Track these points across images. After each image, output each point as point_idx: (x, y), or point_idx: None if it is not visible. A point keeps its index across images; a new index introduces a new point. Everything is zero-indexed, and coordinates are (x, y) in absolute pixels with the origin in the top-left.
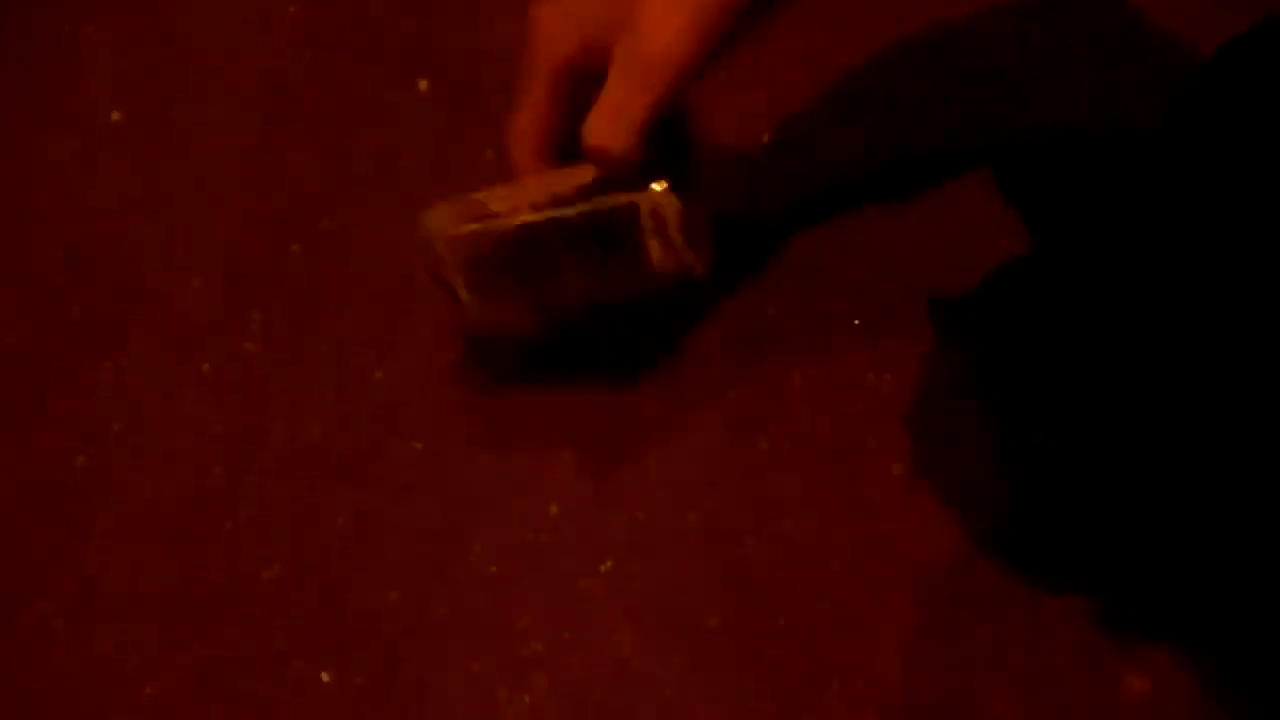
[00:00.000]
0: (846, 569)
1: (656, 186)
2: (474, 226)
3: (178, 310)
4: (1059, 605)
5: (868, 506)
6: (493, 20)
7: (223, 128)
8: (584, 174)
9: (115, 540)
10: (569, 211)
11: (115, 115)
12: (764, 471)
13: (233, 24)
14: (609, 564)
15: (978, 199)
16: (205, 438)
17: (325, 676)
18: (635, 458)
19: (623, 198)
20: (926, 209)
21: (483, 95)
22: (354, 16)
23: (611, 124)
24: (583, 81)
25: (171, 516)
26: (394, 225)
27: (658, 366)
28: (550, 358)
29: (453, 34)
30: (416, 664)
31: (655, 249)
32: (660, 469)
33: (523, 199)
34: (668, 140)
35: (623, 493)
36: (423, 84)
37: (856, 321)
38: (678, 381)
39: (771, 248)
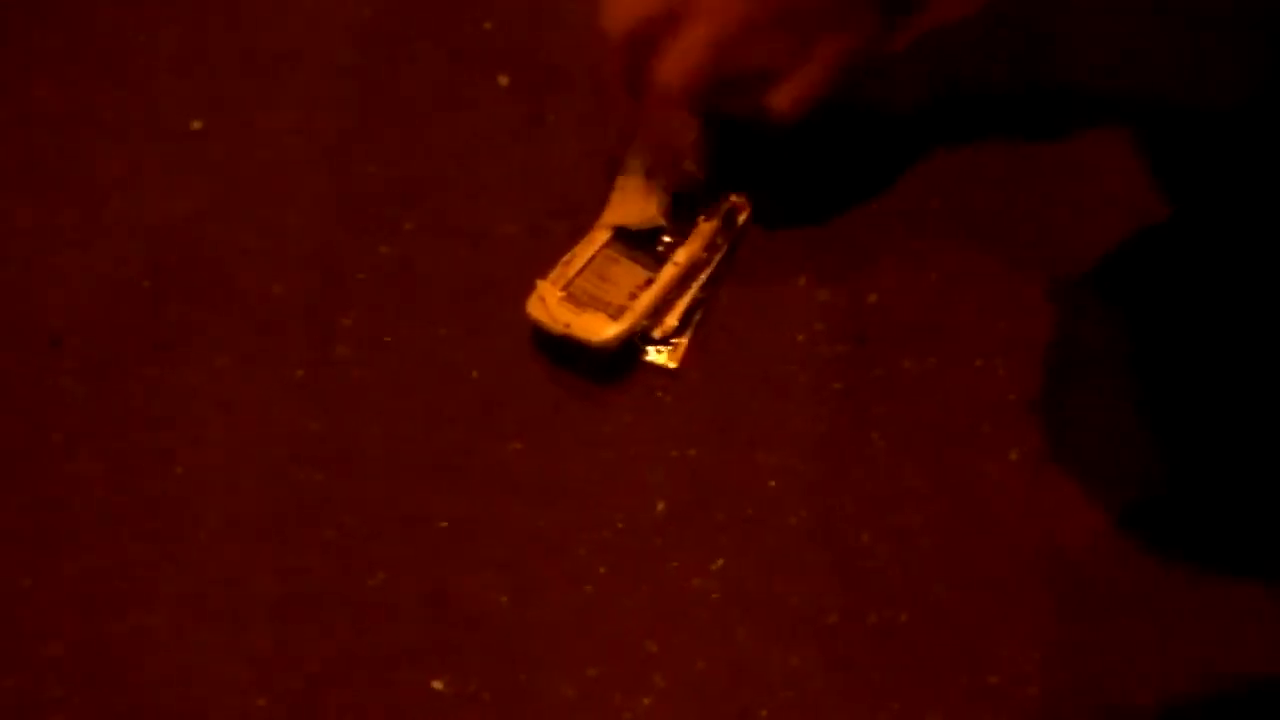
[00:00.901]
0: (967, 561)
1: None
2: None
3: (267, 316)
4: (1197, 589)
5: (986, 495)
6: (570, 15)
7: (303, 133)
8: None
9: (216, 548)
10: None
11: (196, 124)
12: (876, 464)
13: (308, 29)
14: (720, 562)
15: (1082, 176)
16: (302, 444)
17: (437, 684)
18: (740, 454)
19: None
20: (1028, 188)
21: (562, 89)
22: (429, 16)
23: (677, 64)
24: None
25: (272, 523)
26: (476, 223)
27: (761, 362)
28: (643, 356)
29: (531, 30)
30: (529, 669)
31: None
32: (768, 464)
33: None
34: None
35: (730, 489)
36: (503, 79)
37: (963, 307)
38: (784, 376)
39: (871, 234)
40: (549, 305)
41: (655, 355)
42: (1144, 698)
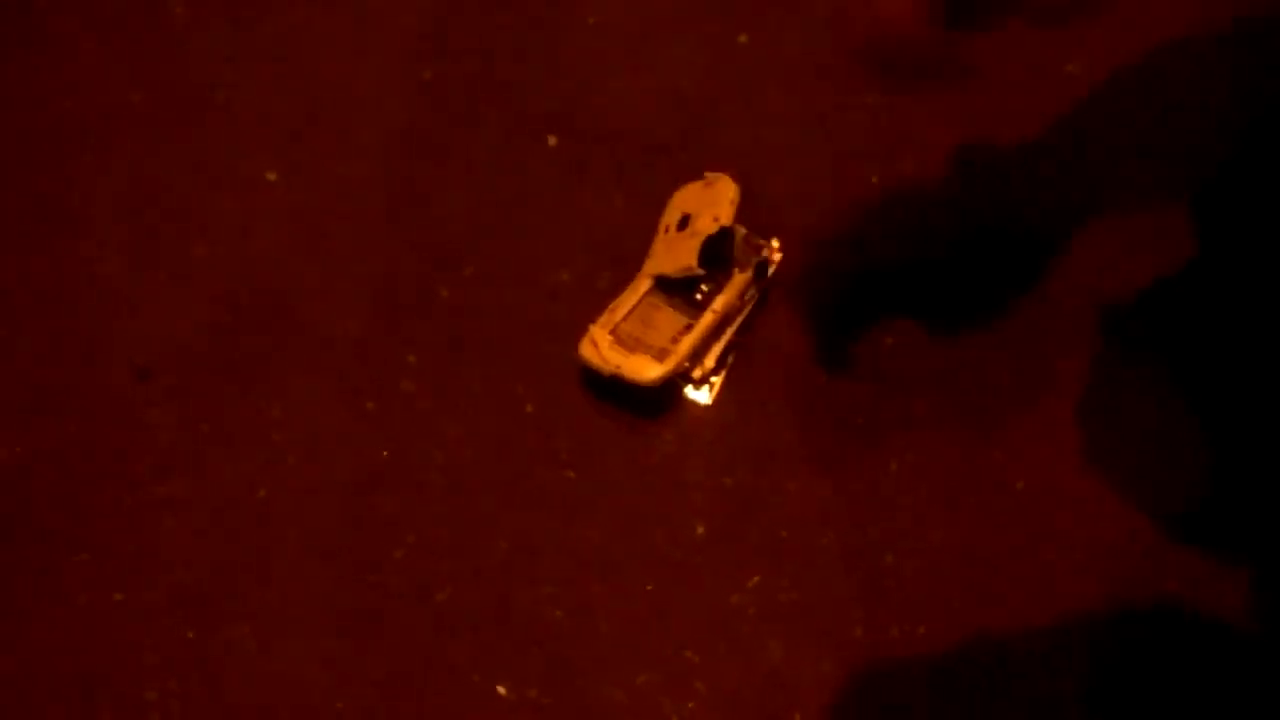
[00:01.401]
0: (984, 578)
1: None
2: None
3: (339, 352)
4: (1237, 602)
5: (998, 519)
6: (615, 80)
7: (368, 184)
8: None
9: (297, 566)
10: None
11: (271, 175)
12: (896, 491)
13: (375, 90)
14: (756, 580)
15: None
16: (373, 470)
17: (501, 689)
18: (772, 481)
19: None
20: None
21: (607, 149)
22: (484, 79)
23: None
24: None
25: (347, 543)
26: (529, 270)
27: (789, 399)
28: (682, 393)
29: (578, 94)
30: (585, 676)
31: None
32: (798, 491)
33: None
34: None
35: (764, 514)
36: (552, 139)
37: (969, 353)
38: (810, 412)
39: (888, 285)
40: (600, 348)
41: (694, 393)
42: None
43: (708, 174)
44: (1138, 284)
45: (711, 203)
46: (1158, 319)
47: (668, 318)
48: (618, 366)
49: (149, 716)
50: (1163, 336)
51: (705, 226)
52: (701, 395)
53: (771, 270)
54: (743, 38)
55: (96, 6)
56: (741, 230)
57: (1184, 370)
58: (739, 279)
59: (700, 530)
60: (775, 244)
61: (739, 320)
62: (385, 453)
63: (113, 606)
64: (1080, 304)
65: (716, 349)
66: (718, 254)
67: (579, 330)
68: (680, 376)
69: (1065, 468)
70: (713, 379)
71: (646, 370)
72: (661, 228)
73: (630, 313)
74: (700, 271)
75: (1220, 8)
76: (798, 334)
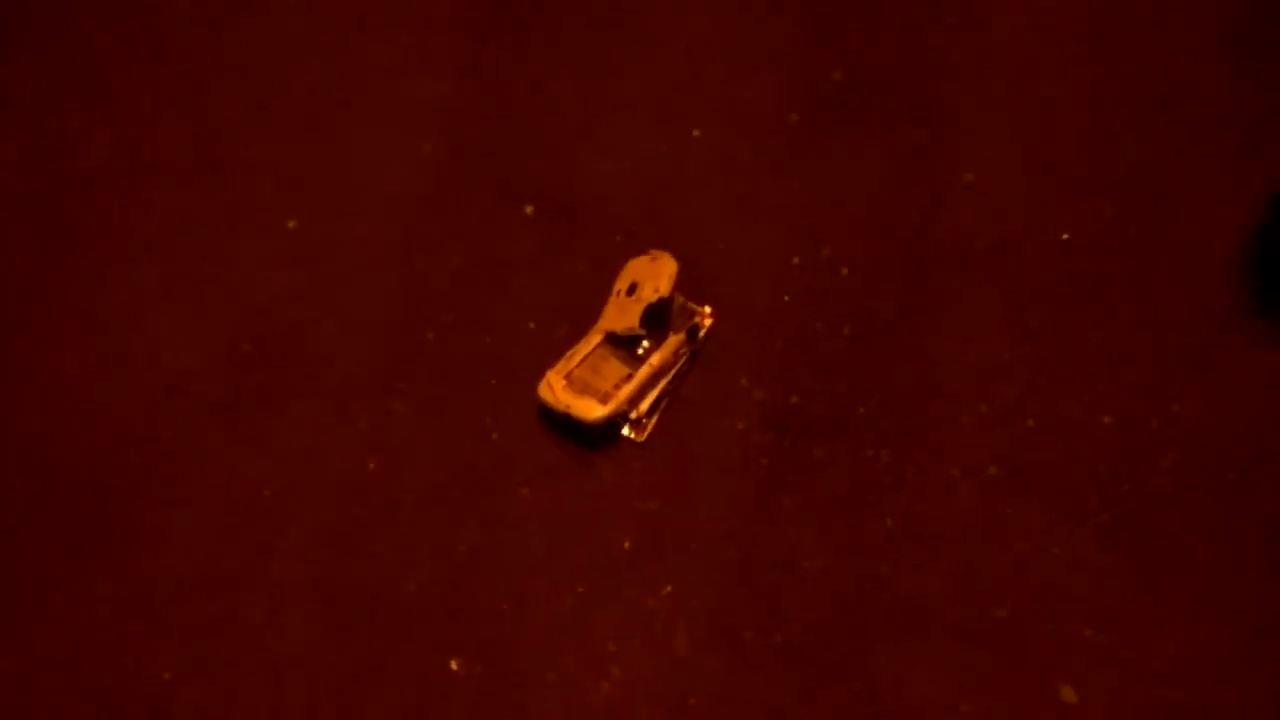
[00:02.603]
0: (846, 595)
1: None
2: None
3: (341, 379)
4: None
5: (863, 551)
6: (588, 160)
7: (373, 237)
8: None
9: (296, 554)
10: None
11: (291, 223)
12: (787, 521)
13: (384, 157)
14: (669, 588)
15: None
16: (363, 478)
17: (454, 665)
18: (689, 508)
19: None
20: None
21: (578, 219)
22: (475, 153)
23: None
24: None
25: (337, 538)
26: (504, 320)
27: (708, 441)
28: (621, 432)
29: (555, 169)
30: (523, 657)
31: None
32: (710, 516)
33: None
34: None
35: (680, 534)
36: (529, 209)
37: (861, 409)
38: (724, 453)
39: (796, 350)
40: (555, 390)
41: (630, 432)
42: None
43: (653, 251)
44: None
45: (654, 275)
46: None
47: (613, 367)
48: (568, 406)
49: (162, 684)
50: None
51: (648, 295)
52: (636, 434)
53: (702, 333)
54: (696, 132)
55: (147, 56)
56: (680, 298)
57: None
58: (673, 339)
59: (626, 545)
60: (707, 310)
61: (672, 373)
62: (373, 463)
63: (135, 587)
64: (958, 367)
65: (651, 396)
66: (657, 318)
67: (540, 373)
68: (620, 417)
69: (930, 505)
70: (646, 420)
71: (592, 411)
72: (614, 291)
73: (583, 361)
74: (641, 332)
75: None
76: (719, 387)
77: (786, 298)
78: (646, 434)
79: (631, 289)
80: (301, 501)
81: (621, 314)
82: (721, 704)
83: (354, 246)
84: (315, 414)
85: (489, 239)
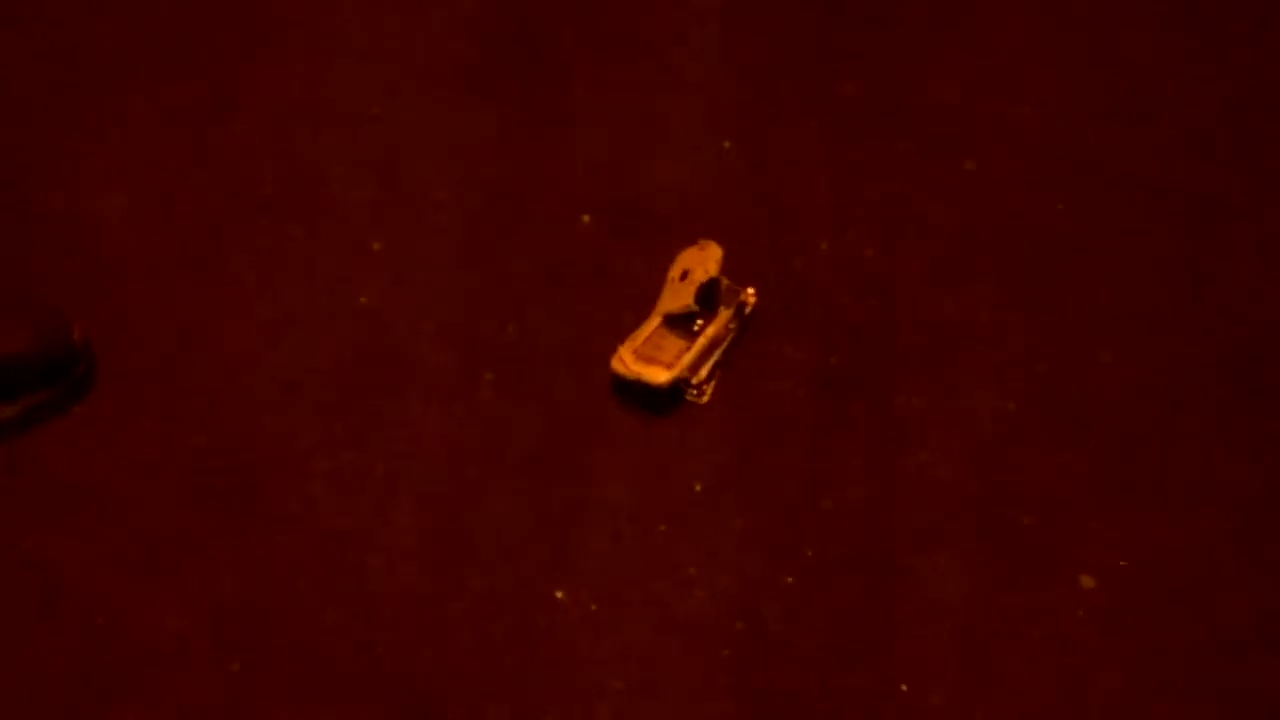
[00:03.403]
0: (889, 516)
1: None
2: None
3: (430, 375)
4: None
5: (904, 478)
6: (642, 170)
7: (450, 255)
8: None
9: (410, 515)
10: None
11: (376, 245)
12: (834, 461)
13: (454, 183)
14: (739, 521)
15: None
16: (461, 452)
17: (559, 594)
18: (750, 453)
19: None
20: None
21: (631, 223)
22: (533, 168)
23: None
24: None
25: (448, 502)
26: (575, 313)
27: (760, 400)
28: (685, 397)
29: (604, 183)
30: (618, 585)
31: None
32: (767, 461)
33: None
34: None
35: (742, 478)
36: (586, 218)
37: (893, 365)
38: (775, 408)
39: (833, 315)
40: (626, 362)
41: (693, 396)
42: None
43: (701, 240)
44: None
45: (703, 260)
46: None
47: (673, 343)
48: (639, 374)
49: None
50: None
51: (699, 277)
52: (698, 396)
53: (748, 309)
54: (727, 144)
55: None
56: (725, 281)
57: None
58: (724, 314)
59: (698, 488)
60: (750, 291)
61: (725, 344)
62: (470, 441)
63: (270, 542)
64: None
65: (709, 364)
66: (708, 298)
67: (611, 353)
68: (683, 382)
69: (959, 438)
70: (706, 385)
71: (659, 375)
72: (668, 279)
73: (646, 339)
74: (695, 309)
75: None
76: (767, 354)
77: (818, 276)
78: (707, 397)
79: (683, 275)
80: (410, 477)
81: (676, 296)
82: (790, 611)
83: (432, 264)
84: (417, 404)
85: (554, 246)
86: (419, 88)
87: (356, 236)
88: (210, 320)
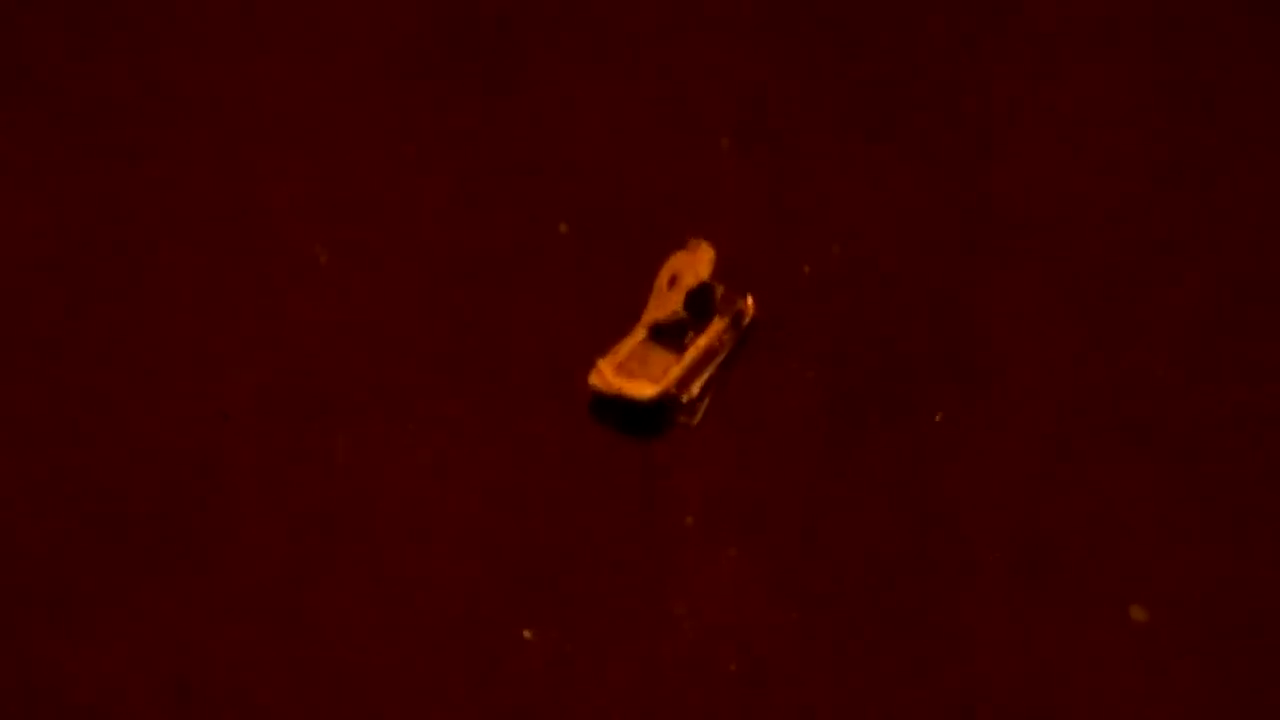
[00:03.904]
0: (913, 547)
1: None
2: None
3: (387, 396)
4: None
5: (930, 505)
6: (627, 170)
7: (408, 267)
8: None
9: (364, 555)
10: None
11: (323, 258)
12: (849, 487)
13: (413, 189)
14: (734, 552)
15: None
16: (419, 489)
17: (527, 634)
18: (749, 480)
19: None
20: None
21: (614, 231)
22: (502, 176)
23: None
24: None
25: (399, 541)
26: (551, 331)
27: (763, 419)
28: (675, 419)
29: (584, 187)
30: (600, 623)
31: None
32: (770, 487)
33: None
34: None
35: (737, 503)
36: (563, 227)
37: (910, 388)
38: (779, 428)
39: (845, 327)
40: (606, 376)
41: (683, 417)
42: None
43: (690, 240)
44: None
45: (693, 264)
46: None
47: (661, 357)
48: (620, 389)
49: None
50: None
51: (689, 282)
52: (689, 416)
53: (747, 320)
54: (724, 141)
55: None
56: (720, 287)
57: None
58: (717, 324)
59: (689, 520)
60: (749, 300)
61: (720, 358)
62: (429, 471)
63: (201, 590)
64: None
65: (701, 379)
66: (700, 305)
67: (589, 367)
68: (671, 400)
69: (992, 459)
70: (698, 403)
71: (644, 390)
72: (655, 287)
73: (630, 353)
74: (685, 316)
75: None
76: (770, 369)
77: (830, 284)
78: (699, 417)
79: (672, 281)
80: (361, 511)
81: (664, 304)
82: (791, 654)
83: (385, 275)
84: (372, 430)
85: (527, 255)
86: (381, 84)
87: (301, 248)
88: (133, 337)
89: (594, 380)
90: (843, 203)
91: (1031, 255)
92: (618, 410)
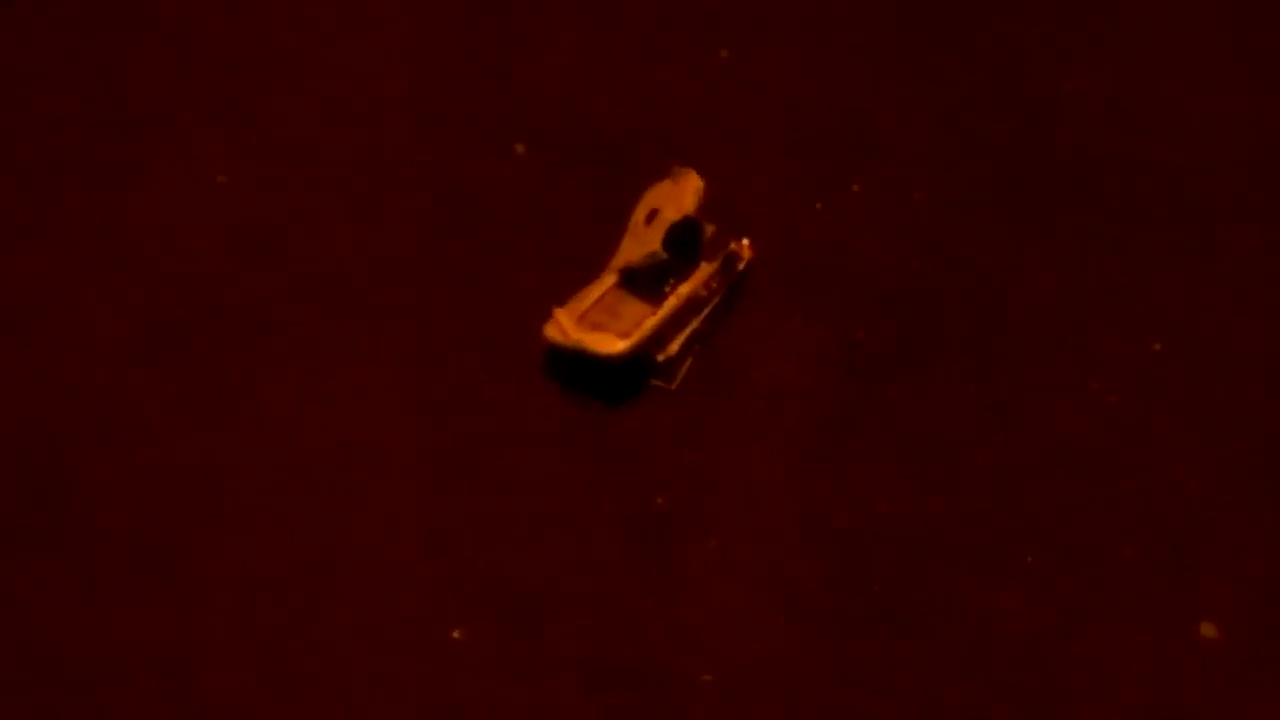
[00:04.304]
0: (932, 537)
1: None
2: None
3: (301, 346)
4: None
5: (955, 489)
6: (591, 90)
7: (327, 193)
8: None
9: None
10: None
11: (221, 178)
12: (856, 467)
13: (340, 97)
14: (714, 542)
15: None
16: (342, 456)
17: (456, 634)
18: (735, 455)
19: None
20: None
21: (582, 155)
22: (454, 89)
23: None
24: None
25: (312, 519)
26: (496, 270)
27: (756, 386)
28: (645, 383)
29: (549, 103)
30: (548, 624)
31: None
32: (760, 464)
33: None
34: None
35: (727, 484)
36: (519, 148)
37: (939, 340)
38: (778, 398)
39: (858, 279)
40: (564, 326)
41: (659, 379)
42: None
43: (675, 168)
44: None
45: (677, 196)
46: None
47: (634, 308)
48: (579, 341)
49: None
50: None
51: (670, 217)
52: (667, 379)
53: (741, 266)
54: (724, 52)
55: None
56: (711, 227)
57: None
58: (705, 269)
59: (660, 501)
60: (745, 243)
61: (706, 310)
62: (343, 436)
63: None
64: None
65: (683, 335)
66: (684, 245)
67: (546, 318)
68: (646, 360)
69: (1035, 438)
70: (678, 364)
71: (611, 345)
72: (631, 223)
73: (596, 303)
74: (664, 257)
75: None
76: (768, 327)
77: (846, 227)
78: (679, 380)
79: (651, 217)
80: (273, 475)
81: (640, 244)
82: (777, 666)
83: (299, 199)
84: (287, 383)
85: (473, 183)
86: None
87: (200, 168)
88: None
89: (551, 333)
90: (869, 130)
91: (1083, 208)
92: (579, 369)
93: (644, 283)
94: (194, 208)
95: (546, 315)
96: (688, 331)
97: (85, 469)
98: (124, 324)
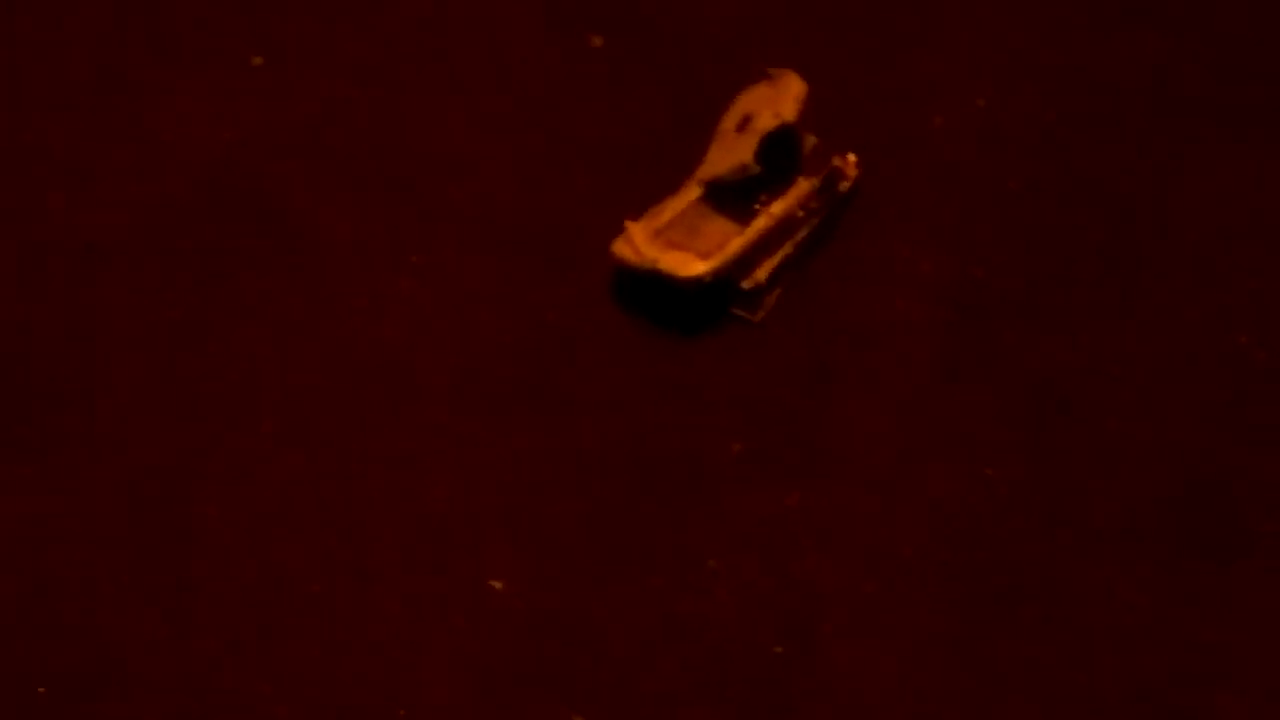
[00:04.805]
0: (1045, 506)
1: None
2: None
3: (325, 250)
4: None
5: (1074, 454)
6: None
7: (371, 72)
8: None
9: (273, 449)
10: None
11: (257, 60)
12: (965, 422)
13: None
14: (796, 495)
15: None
16: (366, 369)
17: (496, 584)
18: (824, 402)
19: None
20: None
21: (651, 52)
22: None
23: None
24: None
25: (345, 433)
26: (564, 177)
27: (853, 323)
28: (730, 310)
29: None
30: (602, 578)
31: None
32: (853, 411)
33: None
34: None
35: (812, 433)
36: (596, 40)
37: (1069, 286)
38: (877, 338)
39: (980, 210)
40: (637, 243)
41: (742, 308)
42: None
43: (771, 70)
44: None
45: (774, 102)
46: None
47: (718, 226)
48: (655, 261)
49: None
50: None
51: (765, 123)
52: (750, 311)
53: (846, 186)
54: None
55: None
56: (812, 139)
57: None
58: (803, 186)
59: (736, 448)
60: (852, 159)
61: (802, 234)
62: (377, 350)
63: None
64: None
65: (773, 261)
66: (780, 158)
67: (614, 234)
68: (727, 284)
69: (1169, 398)
70: (765, 294)
71: (688, 266)
72: (719, 130)
73: (676, 218)
74: (756, 169)
75: None
76: (871, 256)
77: (967, 147)
78: (765, 312)
79: (744, 123)
80: (275, 397)
81: (729, 153)
82: (857, 636)
83: (331, 83)
84: (315, 291)
85: (540, 77)
86: None
87: (236, 50)
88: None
89: (621, 250)
90: (997, 35)
91: (1250, 127)
92: (651, 292)
93: (731, 198)
94: (227, 92)
95: (618, 229)
96: (779, 257)
97: (98, 374)
98: (143, 214)
